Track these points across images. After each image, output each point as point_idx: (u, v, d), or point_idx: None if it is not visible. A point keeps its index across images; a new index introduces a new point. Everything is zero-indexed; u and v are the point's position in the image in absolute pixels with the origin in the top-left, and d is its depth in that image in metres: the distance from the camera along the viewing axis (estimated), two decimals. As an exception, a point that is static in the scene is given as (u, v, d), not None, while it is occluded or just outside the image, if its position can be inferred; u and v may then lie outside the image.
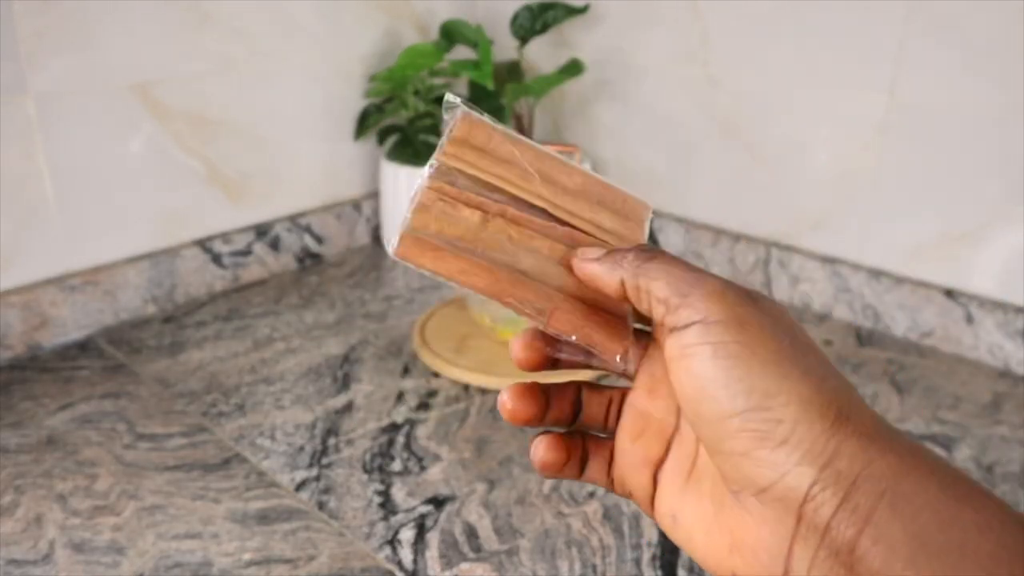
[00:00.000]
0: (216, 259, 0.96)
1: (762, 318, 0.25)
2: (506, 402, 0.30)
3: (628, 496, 0.31)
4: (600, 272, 0.28)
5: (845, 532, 0.22)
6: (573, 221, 0.30)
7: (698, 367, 0.24)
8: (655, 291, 0.26)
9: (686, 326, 0.25)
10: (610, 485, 0.31)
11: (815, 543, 0.23)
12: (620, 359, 0.29)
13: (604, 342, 0.29)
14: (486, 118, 0.31)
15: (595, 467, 0.31)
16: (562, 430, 0.32)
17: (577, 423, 0.32)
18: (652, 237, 1.07)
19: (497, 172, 0.30)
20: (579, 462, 0.31)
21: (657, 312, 0.26)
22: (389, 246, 0.29)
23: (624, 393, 0.31)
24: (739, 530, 0.25)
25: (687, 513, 0.28)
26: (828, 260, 0.93)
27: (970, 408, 0.77)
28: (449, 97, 0.30)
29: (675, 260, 0.27)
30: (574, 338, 0.29)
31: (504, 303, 0.29)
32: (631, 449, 0.30)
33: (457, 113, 0.30)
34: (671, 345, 0.25)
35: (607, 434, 0.32)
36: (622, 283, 0.27)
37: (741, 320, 0.24)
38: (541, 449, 0.30)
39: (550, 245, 0.30)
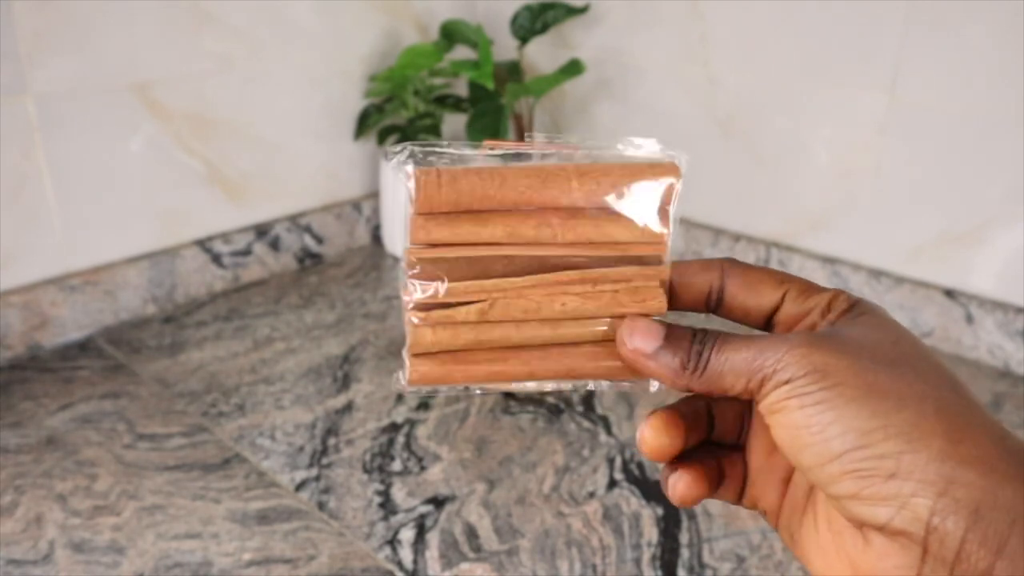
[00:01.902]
0: (216, 259, 0.96)
1: (842, 355, 0.23)
2: (648, 439, 0.28)
3: (757, 510, 0.29)
4: (660, 375, 0.26)
5: (977, 564, 0.21)
6: (583, 253, 0.27)
7: (787, 419, 0.24)
8: (728, 387, 0.25)
9: (768, 393, 0.24)
10: (738, 501, 0.30)
11: (943, 575, 0.22)
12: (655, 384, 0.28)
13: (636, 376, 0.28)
14: (447, 150, 0.26)
15: (728, 485, 0.29)
16: (698, 460, 0.29)
17: (713, 436, 0.30)
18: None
19: (479, 236, 0.26)
20: (715, 483, 0.29)
21: (738, 396, 0.25)
22: (397, 381, 0.27)
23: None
24: (861, 562, 0.24)
25: (804, 535, 0.27)
26: (828, 260, 0.93)
27: (970, 408, 0.77)
28: (393, 151, 0.26)
29: (727, 341, 0.25)
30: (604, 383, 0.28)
31: (538, 382, 0.27)
32: (767, 464, 0.29)
33: (408, 172, 0.26)
34: (762, 408, 0.25)
35: (738, 445, 0.30)
36: (690, 390, 0.26)
37: (820, 368, 0.23)
38: (681, 487, 0.28)
39: (560, 306, 0.27)
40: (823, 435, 0.23)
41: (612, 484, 0.66)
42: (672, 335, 0.26)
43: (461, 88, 1.13)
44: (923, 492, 0.22)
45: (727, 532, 0.61)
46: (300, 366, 0.82)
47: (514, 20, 1.02)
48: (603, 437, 0.72)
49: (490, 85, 0.94)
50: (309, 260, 1.05)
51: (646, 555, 0.59)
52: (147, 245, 0.90)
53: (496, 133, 0.97)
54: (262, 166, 0.98)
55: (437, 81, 1.07)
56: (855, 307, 0.26)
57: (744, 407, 0.29)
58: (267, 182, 0.99)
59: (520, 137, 1.07)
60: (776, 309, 0.27)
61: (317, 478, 0.66)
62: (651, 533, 0.61)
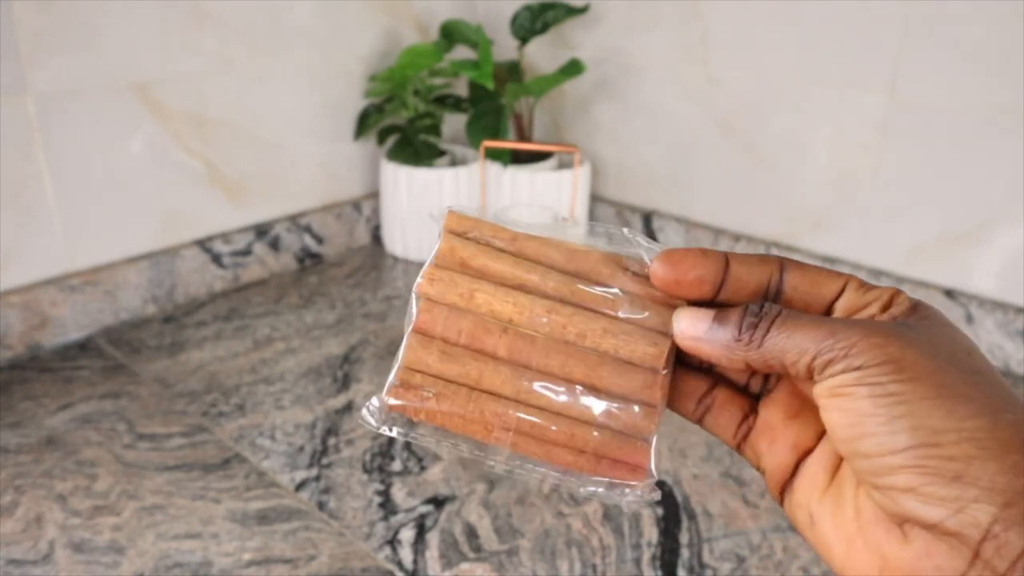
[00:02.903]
0: (216, 259, 0.96)
1: (919, 352, 0.23)
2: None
3: (756, 466, 0.28)
4: (716, 356, 0.26)
5: None
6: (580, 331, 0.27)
7: (851, 404, 0.23)
8: (789, 363, 0.24)
9: (835, 375, 0.23)
10: (737, 446, 0.29)
11: None
12: (642, 490, 0.28)
13: (619, 471, 0.28)
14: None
15: (722, 420, 0.29)
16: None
17: (717, 367, 0.29)
18: (652, 237, 1.07)
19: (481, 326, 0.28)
20: (695, 400, 0.29)
21: (796, 373, 0.24)
22: (372, 406, 0.28)
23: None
24: (894, 557, 0.23)
25: (826, 519, 0.26)
26: (828, 260, 0.93)
27: (970, 408, 0.77)
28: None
29: (793, 316, 0.25)
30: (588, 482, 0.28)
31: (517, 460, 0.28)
32: (782, 426, 0.27)
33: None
34: (820, 388, 0.24)
35: (751, 394, 0.29)
36: (748, 364, 0.25)
37: (896, 360, 0.22)
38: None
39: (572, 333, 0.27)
40: (890, 427, 0.22)
41: (612, 484, 0.66)
42: (721, 313, 0.26)
43: (461, 88, 1.13)
44: (988, 499, 0.21)
45: (727, 532, 0.61)
46: (300, 366, 0.82)
47: (514, 20, 1.02)
48: (603, 437, 0.72)
49: (490, 85, 0.94)
50: (309, 260, 1.05)
51: (646, 555, 0.59)
52: (147, 245, 0.90)
53: (496, 133, 0.97)
54: (262, 166, 0.98)
55: (437, 81, 1.07)
56: (919, 309, 0.25)
57: None
58: (267, 182, 0.99)
59: (520, 137, 1.07)
60: (835, 300, 0.27)
61: (317, 478, 0.66)
62: (651, 533, 0.61)
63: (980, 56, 0.77)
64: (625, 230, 0.28)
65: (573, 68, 0.99)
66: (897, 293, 0.26)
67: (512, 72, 1.05)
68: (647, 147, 1.06)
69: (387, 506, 0.63)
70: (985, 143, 0.79)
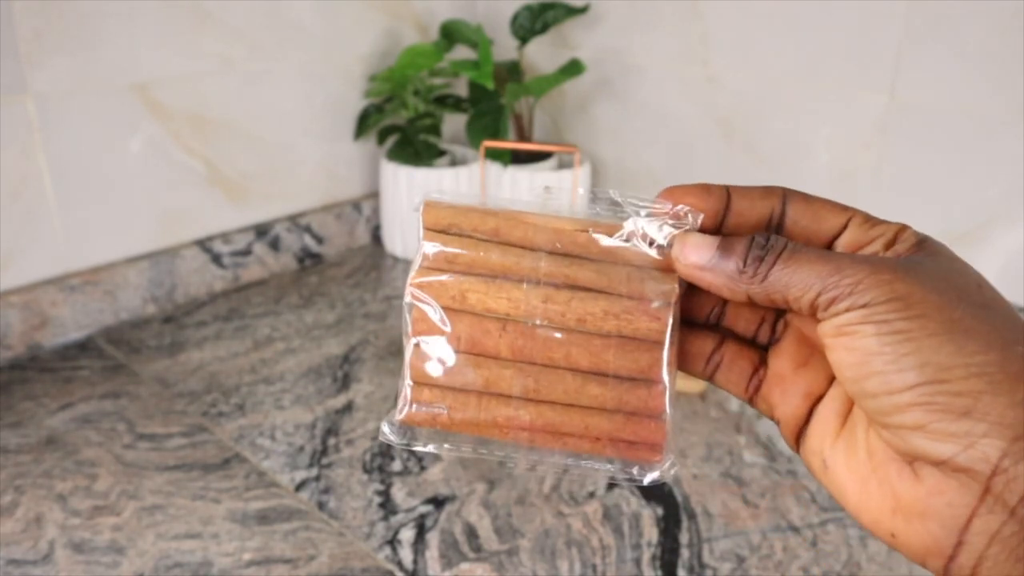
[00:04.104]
0: (216, 259, 0.96)
1: (927, 289, 0.22)
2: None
3: (770, 416, 0.28)
4: (717, 286, 0.25)
5: None
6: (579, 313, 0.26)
7: (858, 343, 0.22)
8: (792, 298, 0.24)
9: (840, 313, 0.23)
10: (750, 399, 0.28)
11: (1001, 518, 0.21)
12: (660, 468, 0.27)
13: (637, 451, 0.27)
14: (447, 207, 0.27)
15: (732, 376, 0.28)
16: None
17: (722, 322, 0.28)
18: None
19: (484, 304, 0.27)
20: (704, 359, 0.28)
21: (799, 309, 0.24)
22: (390, 423, 0.27)
23: (784, 311, 0.28)
24: (906, 495, 0.23)
25: (839, 462, 0.25)
26: (828, 260, 0.93)
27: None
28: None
29: (799, 251, 0.24)
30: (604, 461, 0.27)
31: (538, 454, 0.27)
32: (792, 375, 0.27)
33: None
34: (825, 327, 0.23)
35: (759, 345, 0.29)
36: (750, 298, 0.25)
37: (903, 297, 0.22)
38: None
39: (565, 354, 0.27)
40: (897, 365, 0.22)
41: (612, 484, 0.66)
42: (726, 242, 0.25)
43: (461, 88, 1.13)
44: (997, 434, 0.21)
45: (727, 532, 0.61)
46: (300, 366, 0.82)
47: (514, 20, 1.02)
48: (603, 437, 0.72)
49: (490, 85, 0.94)
50: (309, 260, 1.05)
51: (646, 555, 0.59)
52: (147, 245, 0.90)
53: (496, 133, 0.97)
54: (262, 166, 0.98)
55: (437, 81, 1.07)
56: (925, 244, 0.25)
57: (770, 311, 0.28)
58: (267, 182, 0.99)
59: (520, 137, 1.07)
60: (837, 236, 0.26)
61: (317, 478, 0.66)
62: (651, 533, 0.61)
63: (980, 56, 0.77)
64: (613, 192, 0.27)
65: (573, 68, 0.99)
66: (903, 229, 0.25)
67: (512, 72, 1.05)
68: (647, 147, 1.06)
69: (387, 506, 0.63)
70: (985, 143, 0.79)
